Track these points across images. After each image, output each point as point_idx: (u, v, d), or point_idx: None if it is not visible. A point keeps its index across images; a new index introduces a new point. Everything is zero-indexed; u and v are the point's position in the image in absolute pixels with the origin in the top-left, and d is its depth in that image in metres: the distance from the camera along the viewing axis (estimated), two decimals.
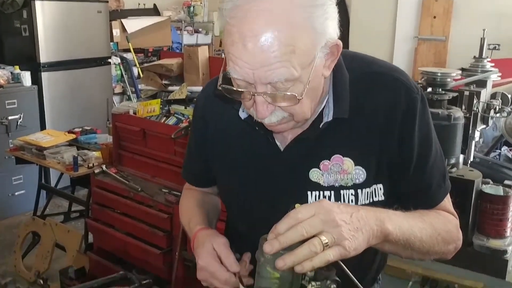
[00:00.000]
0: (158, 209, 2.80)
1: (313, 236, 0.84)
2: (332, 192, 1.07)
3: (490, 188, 1.86)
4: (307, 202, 1.06)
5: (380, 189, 1.08)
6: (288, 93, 0.92)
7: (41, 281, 3.19)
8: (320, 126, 1.04)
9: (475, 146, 2.10)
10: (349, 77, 1.05)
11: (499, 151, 2.95)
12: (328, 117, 1.04)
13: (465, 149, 1.95)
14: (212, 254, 1.06)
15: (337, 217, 0.85)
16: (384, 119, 1.04)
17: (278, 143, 1.10)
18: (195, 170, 1.33)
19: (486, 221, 1.84)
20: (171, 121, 2.96)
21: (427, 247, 1.03)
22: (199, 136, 1.24)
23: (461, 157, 1.90)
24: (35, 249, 3.61)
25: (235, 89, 0.95)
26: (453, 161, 1.84)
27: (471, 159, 2.04)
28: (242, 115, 1.10)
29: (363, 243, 0.87)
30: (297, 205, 0.97)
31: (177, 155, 2.86)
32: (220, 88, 0.98)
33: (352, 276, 0.86)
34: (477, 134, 2.03)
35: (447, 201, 1.13)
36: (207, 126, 1.21)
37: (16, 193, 4.65)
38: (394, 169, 1.07)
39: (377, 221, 0.91)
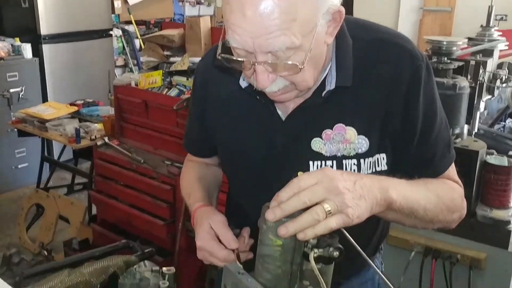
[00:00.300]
0: (161, 181, 2.80)
1: (316, 204, 0.83)
2: (334, 162, 1.05)
3: (495, 159, 1.85)
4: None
5: (383, 158, 1.06)
6: (289, 62, 0.89)
7: (45, 252, 3.22)
8: (323, 94, 1.02)
9: (480, 117, 2.08)
10: (352, 44, 1.03)
11: (503, 123, 2.93)
12: (331, 85, 1.02)
13: (470, 119, 1.93)
14: (210, 233, 1.05)
15: (340, 185, 0.84)
16: (388, 87, 1.02)
17: (279, 113, 1.08)
18: (196, 140, 1.31)
19: (490, 191, 1.84)
20: (173, 92, 2.94)
21: (431, 215, 1.02)
22: (199, 106, 1.22)
23: (466, 127, 1.89)
24: (39, 221, 3.63)
25: (234, 58, 0.93)
26: (457, 131, 1.82)
27: (476, 130, 2.02)
28: (243, 83, 1.08)
29: (366, 211, 0.86)
30: (299, 173, 0.96)
31: (179, 127, 2.84)
32: (219, 57, 0.95)
33: (355, 243, 0.85)
34: (482, 104, 2.01)
35: (452, 170, 1.12)
36: (207, 96, 1.19)
37: (19, 166, 4.66)
38: (398, 138, 1.05)
39: (380, 189, 0.90)
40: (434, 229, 1.88)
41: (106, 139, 3.18)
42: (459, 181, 1.13)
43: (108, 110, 3.77)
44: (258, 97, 1.05)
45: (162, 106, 2.91)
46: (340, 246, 0.82)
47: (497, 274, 1.82)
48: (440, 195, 1.03)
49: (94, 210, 3.42)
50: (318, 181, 0.84)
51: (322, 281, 0.80)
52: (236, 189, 1.28)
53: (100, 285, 0.96)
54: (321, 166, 1.05)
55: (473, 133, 2.00)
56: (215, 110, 1.18)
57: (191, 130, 1.31)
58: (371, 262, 0.88)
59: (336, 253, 0.81)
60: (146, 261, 1.17)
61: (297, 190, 0.83)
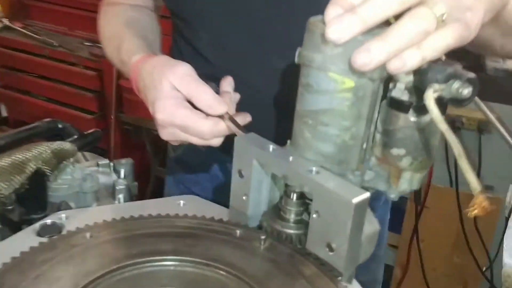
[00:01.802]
0: (82, 66, 2.39)
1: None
2: None
3: None
4: None
5: None
6: None
7: None
8: None
9: None
10: None
11: None
12: None
13: None
14: (175, 97, 0.63)
15: None
16: None
17: None
18: None
19: None
20: None
21: None
22: None
23: None
24: None
25: None
26: None
27: None
28: None
29: (481, 17, 0.49)
30: None
31: None
32: None
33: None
34: None
35: None
36: None
37: None
38: None
39: None
40: None
41: (5, 21, 2.61)
42: None
43: None
44: None
45: None
46: (474, 76, 0.44)
47: None
48: None
49: (4, 112, 2.93)
50: None
51: (458, 144, 0.42)
52: (188, 30, 0.83)
53: (13, 194, 0.55)
54: None
55: None
56: None
57: None
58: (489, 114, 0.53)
59: (468, 90, 0.43)
60: (86, 153, 0.76)
61: None
